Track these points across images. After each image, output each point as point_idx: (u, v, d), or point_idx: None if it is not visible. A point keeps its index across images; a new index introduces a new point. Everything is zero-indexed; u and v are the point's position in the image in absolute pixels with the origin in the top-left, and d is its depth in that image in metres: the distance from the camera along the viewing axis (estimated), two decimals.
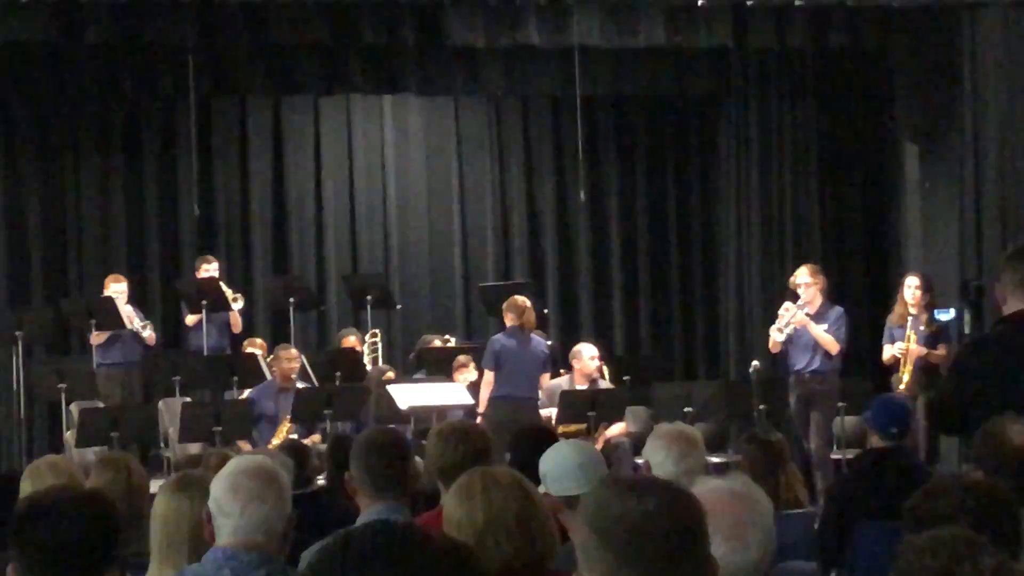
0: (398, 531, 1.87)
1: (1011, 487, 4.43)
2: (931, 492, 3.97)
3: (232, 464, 4.04)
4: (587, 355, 13.30)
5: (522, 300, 13.23)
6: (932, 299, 12.48)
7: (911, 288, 12.50)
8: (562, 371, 13.56)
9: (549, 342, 13.65)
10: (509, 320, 13.05)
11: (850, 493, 6.47)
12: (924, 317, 12.41)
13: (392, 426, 9.94)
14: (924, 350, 12.31)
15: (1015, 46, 13.64)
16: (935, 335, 12.45)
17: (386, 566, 1.82)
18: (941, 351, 12.32)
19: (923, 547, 3.15)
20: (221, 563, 3.82)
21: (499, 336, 13.23)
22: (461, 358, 13.60)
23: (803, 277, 12.73)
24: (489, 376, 12.84)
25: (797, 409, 12.69)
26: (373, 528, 1.89)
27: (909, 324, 12.42)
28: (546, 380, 13.07)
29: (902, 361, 12.41)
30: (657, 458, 5.47)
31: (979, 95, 13.84)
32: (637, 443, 11.76)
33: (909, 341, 12.36)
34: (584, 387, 13.08)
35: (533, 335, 13.12)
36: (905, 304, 12.51)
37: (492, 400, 12.67)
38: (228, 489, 3.90)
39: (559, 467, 4.96)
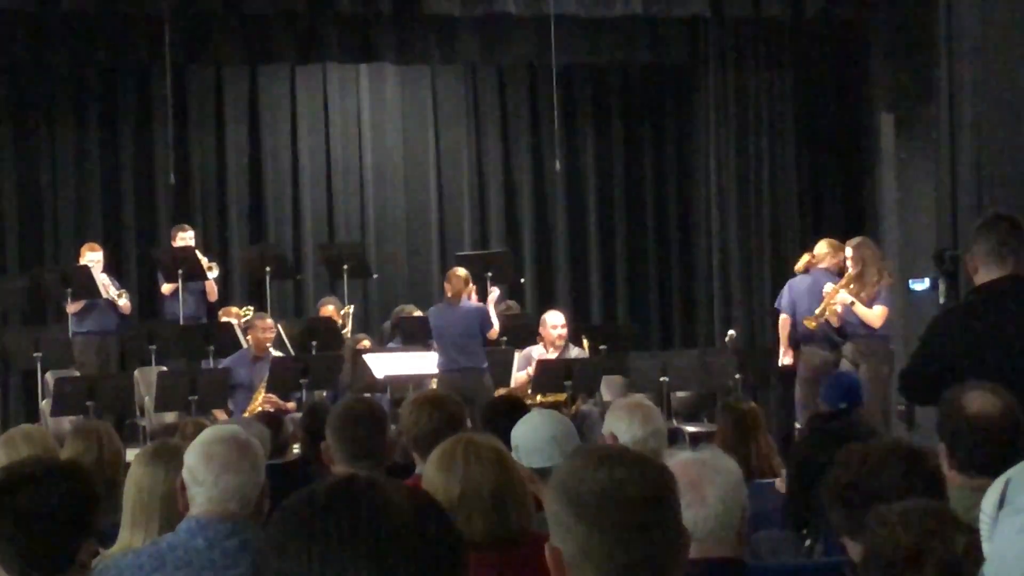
0: (363, 482, 1.88)
1: (978, 456, 4.46)
2: (870, 469, 3.87)
3: (206, 433, 4.05)
4: (549, 323, 13.38)
5: (453, 271, 13.30)
6: (864, 268, 12.45)
7: (848, 258, 12.57)
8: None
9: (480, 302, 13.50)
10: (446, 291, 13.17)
11: (805, 460, 6.49)
12: (857, 286, 12.41)
13: (368, 395, 9.93)
14: (850, 298, 12.35)
15: (991, 15, 13.62)
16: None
17: (351, 515, 1.82)
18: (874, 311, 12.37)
19: (893, 521, 3.07)
20: (195, 532, 3.83)
21: (432, 309, 13.37)
22: None
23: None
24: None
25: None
26: (338, 481, 1.89)
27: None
28: (494, 336, 13.06)
29: (825, 300, 12.47)
30: (621, 426, 5.48)
31: (955, 65, 13.82)
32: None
33: (841, 287, 12.40)
34: (553, 354, 13.12)
35: (465, 300, 13.10)
36: (846, 272, 12.59)
37: (439, 374, 12.68)
38: (202, 458, 3.91)
39: (532, 439, 4.96)
